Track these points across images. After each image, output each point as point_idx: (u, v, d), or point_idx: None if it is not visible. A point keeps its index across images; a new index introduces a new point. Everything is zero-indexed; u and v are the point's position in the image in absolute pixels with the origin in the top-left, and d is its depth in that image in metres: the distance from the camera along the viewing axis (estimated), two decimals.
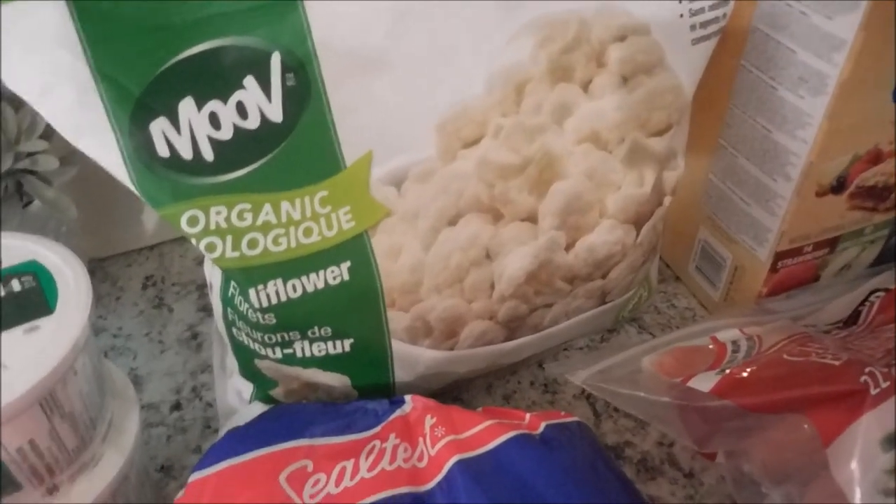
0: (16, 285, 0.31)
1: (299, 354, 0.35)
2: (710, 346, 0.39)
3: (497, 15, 0.32)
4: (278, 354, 0.35)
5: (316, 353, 0.35)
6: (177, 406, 0.45)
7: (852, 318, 0.41)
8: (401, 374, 0.37)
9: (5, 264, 0.32)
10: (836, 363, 0.33)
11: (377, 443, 0.32)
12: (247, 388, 0.38)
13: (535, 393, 0.45)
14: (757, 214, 0.43)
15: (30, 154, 0.42)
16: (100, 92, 0.28)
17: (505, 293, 0.36)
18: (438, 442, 0.32)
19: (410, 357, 0.36)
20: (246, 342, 0.35)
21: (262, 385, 0.37)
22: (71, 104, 0.28)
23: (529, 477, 0.31)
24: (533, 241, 0.36)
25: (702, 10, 0.36)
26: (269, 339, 0.34)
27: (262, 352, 0.35)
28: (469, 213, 0.34)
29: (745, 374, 0.34)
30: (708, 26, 0.37)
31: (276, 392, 0.37)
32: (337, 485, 0.30)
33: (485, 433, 0.33)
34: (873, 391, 0.31)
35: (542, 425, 0.34)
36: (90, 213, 0.49)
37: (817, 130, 0.38)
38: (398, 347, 0.36)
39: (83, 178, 0.45)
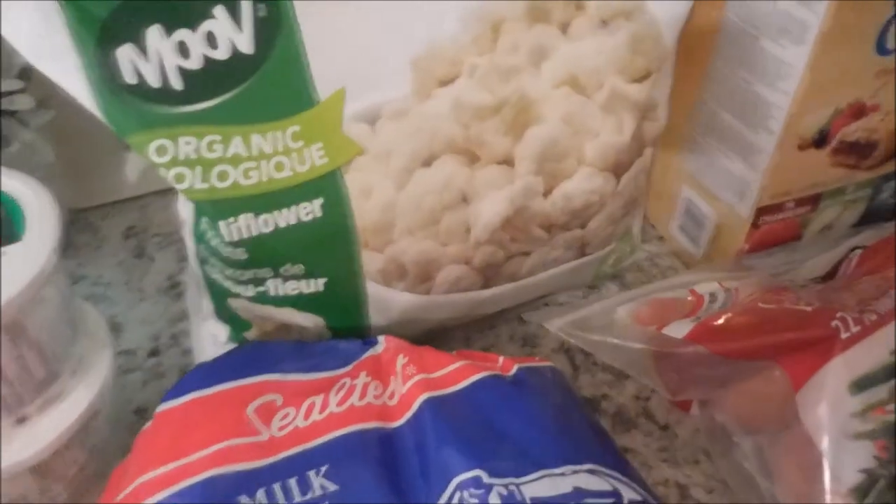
0: None
1: (272, 293, 0.34)
2: (688, 298, 0.39)
3: None
4: (251, 292, 0.34)
5: (290, 291, 0.34)
6: (154, 352, 0.45)
7: (830, 274, 0.41)
8: (376, 318, 0.37)
9: None
10: (808, 309, 0.33)
11: (347, 380, 0.32)
12: (222, 331, 0.38)
13: (514, 347, 0.45)
14: (738, 170, 0.43)
15: (6, 94, 0.41)
16: (64, 15, 0.28)
17: (481, 238, 0.36)
18: (409, 380, 0.32)
19: (385, 300, 0.36)
20: (219, 280, 0.35)
21: (236, 327, 0.37)
22: (34, 26, 0.27)
23: (498, 417, 0.31)
24: (509, 185, 0.35)
25: None
26: (242, 275, 0.34)
27: (235, 290, 0.35)
28: (444, 154, 0.34)
29: (719, 322, 0.34)
30: None
31: (250, 334, 0.37)
32: (306, 418, 0.30)
33: (456, 373, 0.33)
34: (843, 335, 0.31)
35: (515, 367, 0.34)
36: (71, 162, 0.49)
37: (798, 82, 0.38)
38: (372, 289, 0.35)
39: (63, 126, 0.45)
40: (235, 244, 0.32)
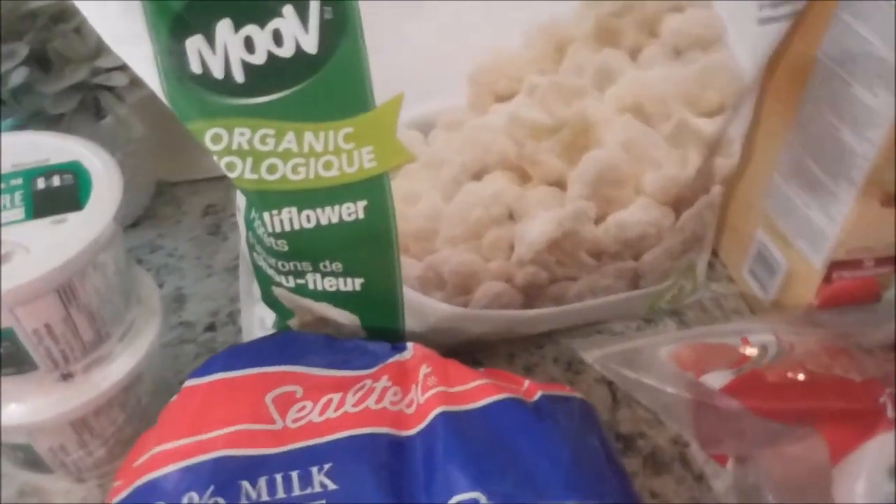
0: (56, 181, 0.33)
1: (311, 286, 0.35)
2: (738, 347, 0.37)
3: None
4: (291, 283, 0.35)
5: (327, 287, 0.35)
6: (211, 327, 0.47)
7: None
8: (411, 323, 0.37)
9: (53, 162, 0.34)
10: (857, 379, 0.31)
11: (368, 382, 0.32)
12: (269, 316, 0.39)
13: (557, 369, 0.44)
14: (816, 219, 0.40)
15: (105, 70, 0.44)
16: (143, 5, 0.29)
17: (524, 257, 0.36)
18: (428, 391, 0.32)
19: (422, 307, 0.36)
20: (264, 267, 0.36)
21: (281, 314, 0.38)
22: (115, 12, 0.29)
23: (511, 441, 0.31)
24: (559, 207, 0.35)
25: None
26: (283, 266, 0.35)
27: (277, 279, 0.36)
28: (495, 169, 0.34)
29: (760, 377, 0.33)
30: (779, 6, 0.35)
31: (293, 322, 0.38)
32: (321, 414, 0.31)
33: (476, 391, 0.32)
34: (890, 414, 0.28)
35: (538, 394, 0.33)
36: (162, 138, 0.52)
37: (886, 131, 0.35)
38: (409, 295, 0.36)
39: (156, 104, 0.47)
40: (277, 235, 0.33)
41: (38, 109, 0.44)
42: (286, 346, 0.33)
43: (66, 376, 0.34)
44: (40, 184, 0.33)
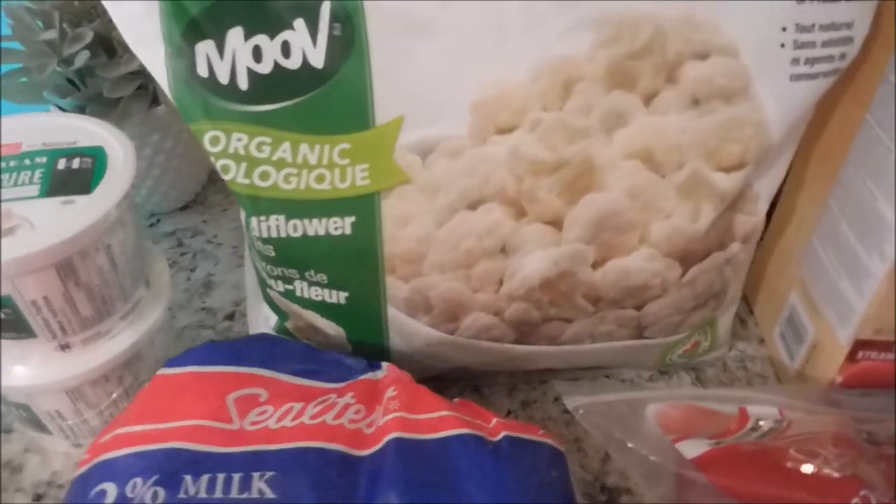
0: (76, 163, 0.35)
1: (298, 293, 0.36)
2: (733, 415, 0.35)
3: (559, 1, 0.30)
4: (281, 288, 0.36)
5: (313, 296, 0.36)
6: (230, 317, 0.48)
7: None
8: (397, 343, 0.37)
9: (80, 145, 0.36)
10: (835, 475, 0.28)
11: (333, 396, 0.33)
12: (273, 316, 0.40)
13: (556, 409, 0.43)
14: (846, 291, 0.38)
15: None
16: (161, 7, 0.30)
17: (514, 293, 0.35)
18: (389, 414, 0.32)
19: (407, 328, 0.36)
20: (259, 268, 0.37)
21: (278, 315, 0.39)
22: (137, 13, 0.31)
23: (460, 476, 0.30)
24: (554, 247, 0.34)
25: (811, 45, 0.32)
26: (272, 270, 0.35)
27: (269, 282, 0.36)
28: (492, 201, 0.33)
29: (738, 454, 0.31)
30: (817, 64, 0.32)
31: (289, 325, 0.39)
32: (278, 421, 0.31)
33: (438, 421, 0.32)
34: None
35: (502, 434, 0.32)
36: None
37: None
38: (395, 315, 0.36)
39: None
40: (265, 240, 0.34)
41: (97, 93, 0.47)
42: (263, 348, 0.34)
43: (64, 347, 0.36)
44: (61, 164, 0.35)
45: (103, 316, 0.36)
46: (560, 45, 0.31)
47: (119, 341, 0.37)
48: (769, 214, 0.46)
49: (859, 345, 0.37)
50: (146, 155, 0.50)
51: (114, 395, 0.38)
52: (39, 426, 0.39)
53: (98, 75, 0.46)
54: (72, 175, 0.34)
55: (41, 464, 0.40)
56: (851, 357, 0.38)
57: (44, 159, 0.35)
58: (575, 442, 0.41)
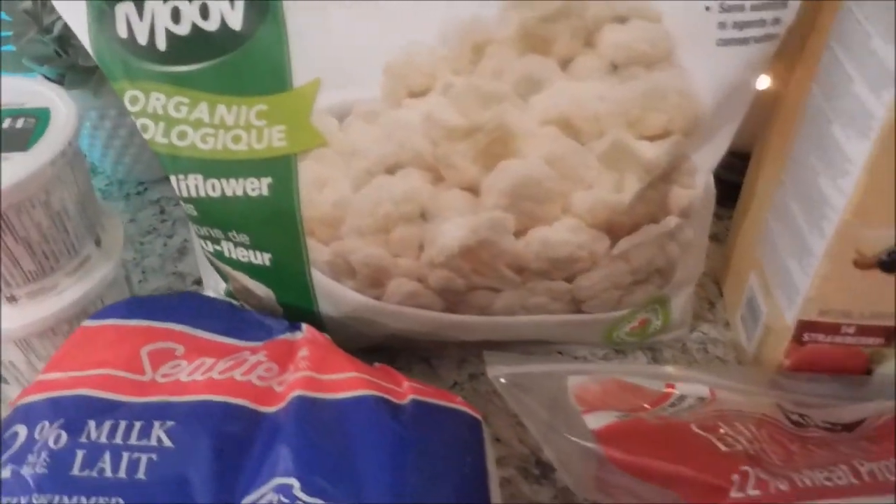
0: (20, 123, 0.36)
1: (226, 254, 0.37)
2: (657, 392, 0.34)
3: None
4: (210, 248, 0.37)
5: (240, 257, 0.36)
6: (199, 282, 0.50)
7: (854, 425, 0.33)
8: (325, 307, 0.37)
9: (28, 106, 0.38)
10: (722, 448, 0.27)
11: (246, 353, 0.33)
12: (221, 281, 0.41)
13: None
14: (793, 269, 0.36)
15: None
16: None
17: (435, 259, 0.35)
18: (297, 373, 0.32)
19: (333, 292, 0.36)
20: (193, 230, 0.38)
21: (222, 278, 0.40)
22: None
23: (357, 437, 0.30)
24: (472, 214, 0.34)
25: (739, 8, 0.31)
26: (199, 230, 0.36)
27: (200, 242, 0.37)
28: (409, 166, 0.33)
29: (638, 427, 0.30)
30: (746, 28, 0.31)
31: (230, 287, 0.40)
32: (189, 375, 0.32)
33: (345, 382, 0.32)
34: (733, 493, 0.25)
35: (410, 398, 0.32)
36: None
37: (856, 182, 0.31)
38: (319, 279, 0.36)
39: None
40: (185, 200, 0.35)
41: (75, 61, 0.48)
42: (185, 305, 0.35)
43: (10, 299, 0.37)
44: (6, 124, 0.36)
45: (46, 271, 0.37)
46: (468, 8, 0.31)
47: (66, 296, 0.38)
48: (736, 196, 0.44)
49: (804, 326, 0.36)
50: (128, 123, 0.52)
51: None
52: None
53: (75, 44, 0.48)
54: (12, 134, 0.36)
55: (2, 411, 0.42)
56: (798, 339, 0.36)
57: None
58: (515, 416, 0.41)
